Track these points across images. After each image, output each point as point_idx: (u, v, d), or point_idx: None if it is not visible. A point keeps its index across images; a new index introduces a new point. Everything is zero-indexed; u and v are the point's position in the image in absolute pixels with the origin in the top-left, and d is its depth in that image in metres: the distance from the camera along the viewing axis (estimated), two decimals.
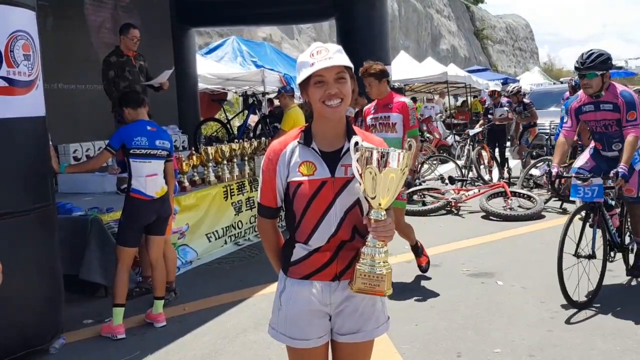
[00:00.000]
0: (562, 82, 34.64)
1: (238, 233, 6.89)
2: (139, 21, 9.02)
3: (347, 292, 2.03)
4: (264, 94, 12.34)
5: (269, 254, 2.21)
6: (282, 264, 2.13)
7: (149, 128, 4.30)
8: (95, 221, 4.93)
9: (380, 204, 1.92)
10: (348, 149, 2.02)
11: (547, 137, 10.10)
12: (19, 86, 3.54)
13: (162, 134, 4.38)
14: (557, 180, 4.48)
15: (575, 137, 6.13)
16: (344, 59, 1.96)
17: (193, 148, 7.47)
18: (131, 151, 4.21)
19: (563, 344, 3.73)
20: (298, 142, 2.06)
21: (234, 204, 6.84)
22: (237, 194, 6.91)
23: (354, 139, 1.96)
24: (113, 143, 4.26)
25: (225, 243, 6.66)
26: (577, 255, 4.46)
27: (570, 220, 4.44)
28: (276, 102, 14.51)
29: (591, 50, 4.48)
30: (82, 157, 7.24)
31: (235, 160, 7.06)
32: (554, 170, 4.51)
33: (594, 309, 4.33)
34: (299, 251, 2.05)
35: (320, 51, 1.97)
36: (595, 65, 4.33)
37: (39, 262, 3.75)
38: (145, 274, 5.04)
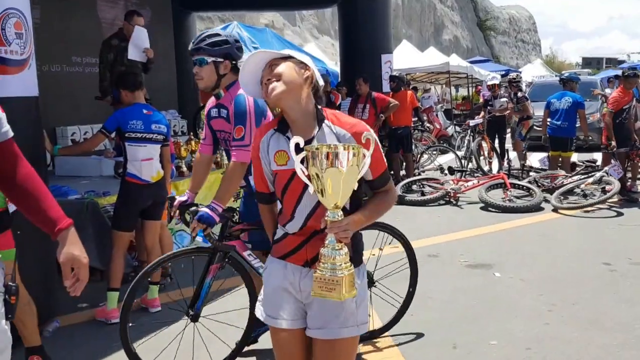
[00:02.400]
0: (562, 75, 34.71)
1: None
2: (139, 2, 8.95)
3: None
4: None
5: (270, 236, 2.23)
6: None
7: (145, 112, 4.24)
8: (91, 204, 4.88)
9: (335, 204, 1.85)
10: (316, 133, 1.99)
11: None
12: (11, 65, 3.47)
13: (159, 118, 4.32)
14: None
15: None
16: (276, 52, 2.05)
17: (192, 133, 7.41)
18: (126, 135, 4.16)
19: (560, 337, 3.71)
20: (274, 129, 2.04)
21: None
22: None
23: (294, 139, 1.87)
24: (108, 126, 4.21)
25: None
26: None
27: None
28: None
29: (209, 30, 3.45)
30: (80, 140, 7.18)
31: None
32: (180, 199, 3.50)
33: (590, 304, 4.30)
34: (279, 231, 2.11)
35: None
36: (204, 48, 3.09)
37: (32, 245, 3.71)
38: (141, 258, 5.00)
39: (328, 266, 1.83)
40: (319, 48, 19.42)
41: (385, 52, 9.45)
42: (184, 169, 6.20)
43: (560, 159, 8.83)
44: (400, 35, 31.84)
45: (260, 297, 2.16)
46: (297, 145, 1.86)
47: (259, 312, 2.14)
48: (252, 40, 13.18)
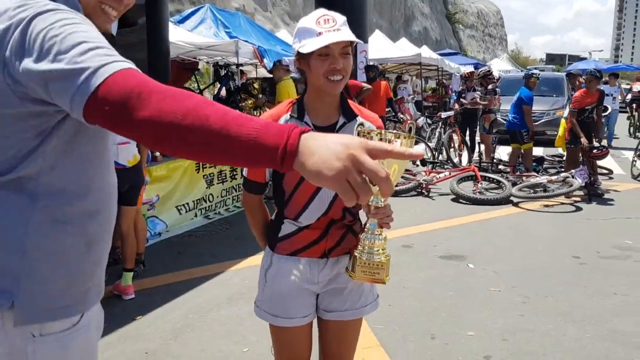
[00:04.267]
0: (527, 70, 35.39)
1: (209, 206, 6.76)
2: None
3: (335, 270, 1.99)
4: (237, 65, 12.09)
5: (255, 230, 2.13)
6: (269, 239, 2.07)
7: None
8: None
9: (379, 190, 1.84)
10: (343, 124, 1.94)
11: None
12: None
13: None
14: None
15: None
16: (351, 34, 1.83)
17: None
18: None
19: (535, 329, 3.78)
20: (290, 115, 1.95)
21: (205, 176, 6.70)
22: (209, 167, 6.77)
23: (359, 119, 1.87)
24: None
25: (196, 216, 6.53)
26: None
27: None
28: (249, 75, 14.29)
29: None
30: None
31: None
32: None
33: (562, 297, 4.40)
34: (287, 227, 1.99)
35: (327, 20, 1.82)
36: None
37: None
38: (114, 244, 4.89)
39: (369, 250, 1.84)
40: (290, 34, 19.26)
41: (361, 42, 9.42)
42: (157, 154, 6.07)
43: (521, 152, 9.07)
44: (371, 25, 31.83)
45: (260, 298, 2.08)
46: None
47: (261, 313, 2.06)
48: (224, 24, 12.98)
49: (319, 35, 1.80)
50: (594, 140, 8.08)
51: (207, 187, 6.72)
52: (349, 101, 2.01)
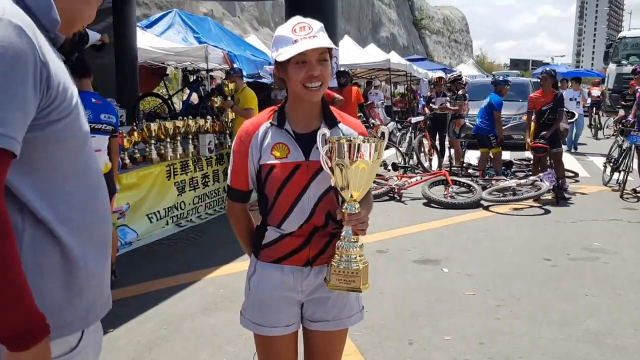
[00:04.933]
0: (494, 75, 36.01)
1: (180, 214, 6.66)
2: None
3: (319, 279, 1.97)
4: (207, 71, 11.99)
5: (240, 239, 2.11)
6: (254, 246, 2.05)
7: (94, 101, 4.03)
8: None
9: (353, 197, 1.84)
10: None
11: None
12: None
13: (108, 108, 4.13)
14: None
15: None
16: (328, 40, 1.83)
17: (134, 123, 7.14)
18: None
19: (511, 332, 3.82)
20: (271, 123, 1.95)
21: (176, 183, 6.60)
22: (181, 174, 6.67)
23: (322, 130, 1.86)
24: None
25: (167, 224, 6.43)
26: None
27: None
28: (218, 81, 14.17)
29: None
30: None
31: (178, 138, 6.81)
32: None
33: (536, 299, 4.46)
34: (271, 234, 1.97)
35: (303, 27, 1.83)
36: None
37: None
38: None
39: (345, 258, 1.84)
40: (259, 40, 19.20)
41: (337, 48, 9.45)
42: (127, 161, 5.96)
43: (490, 156, 9.19)
44: (340, 31, 32.00)
45: (244, 306, 2.05)
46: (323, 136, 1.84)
47: (245, 322, 2.03)
48: (193, 29, 12.89)
49: (295, 43, 1.80)
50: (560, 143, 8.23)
51: (178, 195, 6.63)
52: (331, 107, 2.00)
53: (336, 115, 1.99)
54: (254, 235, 2.06)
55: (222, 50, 11.44)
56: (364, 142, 1.80)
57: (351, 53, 15.62)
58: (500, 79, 9.44)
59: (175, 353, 3.54)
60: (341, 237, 1.87)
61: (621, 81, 19.93)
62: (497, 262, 5.36)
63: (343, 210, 1.85)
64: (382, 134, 1.88)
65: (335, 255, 1.86)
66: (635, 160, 8.32)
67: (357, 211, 1.83)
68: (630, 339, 3.71)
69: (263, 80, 11.87)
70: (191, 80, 12.50)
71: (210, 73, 13.11)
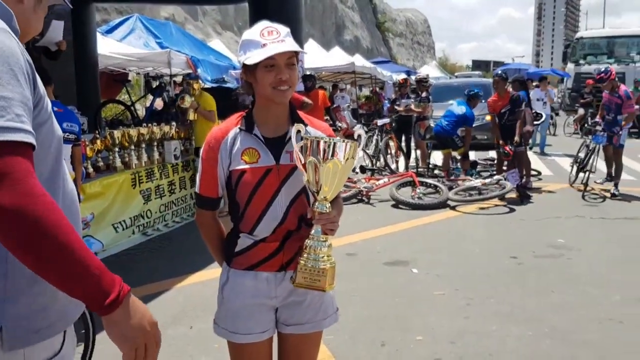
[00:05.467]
0: (457, 77, 36.56)
1: (147, 223, 6.55)
2: None
3: (290, 281, 1.95)
4: (171, 76, 11.85)
5: (211, 247, 2.09)
6: (226, 254, 2.03)
7: (55, 109, 3.92)
8: None
9: (324, 197, 1.85)
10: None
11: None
12: None
13: (70, 116, 4.04)
14: None
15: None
16: (295, 44, 1.86)
17: (97, 131, 7.00)
18: None
19: (480, 331, 3.87)
20: (239, 128, 1.95)
21: (142, 192, 6.50)
22: (146, 182, 6.57)
23: (297, 126, 1.88)
24: None
25: (133, 233, 6.32)
26: None
27: None
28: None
29: None
30: None
31: (143, 145, 6.70)
32: None
33: (503, 298, 4.53)
34: (244, 241, 1.96)
35: (271, 31, 1.85)
36: None
37: None
38: None
39: (313, 257, 1.84)
40: (223, 44, 19.08)
41: (305, 52, 9.45)
42: (91, 170, 5.84)
43: (454, 156, 9.29)
44: (304, 34, 32.05)
45: (218, 315, 2.02)
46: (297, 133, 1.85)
47: (219, 330, 2.01)
48: (155, 34, 12.71)
49: (263, 47, 1.82)
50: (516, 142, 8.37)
51: (144, 203, 6.52)
52: (299, 111, 2.00)
53: (304, 119, 2.00)
54: (225, 243, 2.04)
55: (185, 55, 11.31)
56: (338, 141, 1.82)
57: (316, 56, 15.67)
58: (473, 92, 9.19)
59: None
60: (310, 236, 1.87)
61: (579, 80, 20.51)
62: (465, 262, 5.44)
63: (314, 209, 1.86)
64: (359, 136, 1.89)
65: (304, 254, 1.86)
66: (600, 160, 8.56)
67: (327, 210, 1.85)
68: (595, 334, 3.81)
69: (228, 85, 11.77)
70: (154, 86, 12.33)
71: (174, 79, 12.95)
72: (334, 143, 1.81)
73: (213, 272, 4.54)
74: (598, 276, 4.96)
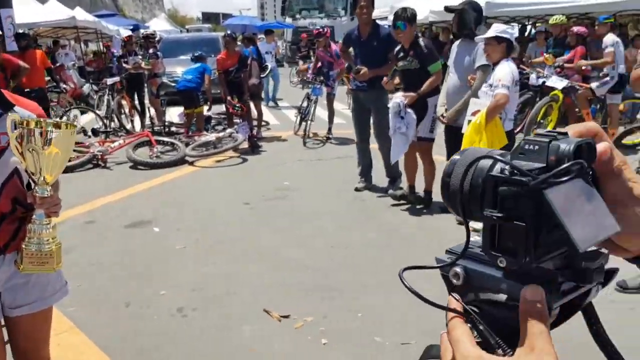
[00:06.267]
0: (188, 30, 35.94)
1: None
2: None
3: (14, 266, 1.98)
4: None
5: None
6: None
7: None
8: None
9: (45, 181, 1.87)
10: (0, 115, 1.92)
11: (175, 85, 10.34)
12: None
13: None
14: None
15: None
16: None
17: None
18: None
19: (224, 272, 4.27)
20: None
21: None
22: None
23: (11, 116, 1.83)
24: None
25: None
26: None
27: None
28: None
29: None
30: None
31: None
32: None
33: (239, 239, 5.02)
34: None
35: None
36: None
37: None
38: None
39: (37, 241, 1.86)
40: None
41: (5, 7, 8.49)
42: None
43: (194, 115, 9.53)
44: None
45: None
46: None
47: None
48: None
49: None
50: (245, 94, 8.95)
51: None
52: (4, 91, 1.98)
53: (10, 99, 1.97)
54: None
55: None
56: (55, 126, 1.82)
57: (29, 11, 14.05)
58: (198, 54, 9.74)
59: None
60: (32, 220, 1.89)
61: (297, 34, 22.17)
62: (203, 212, 5.80)
63: (35, 194, 1.86)
64: (75, 116, 1.95)
65: (27, 238, 1.88)
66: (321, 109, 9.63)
67: (49, 194, 1.87)
68: (323, 260, 4.51)
69: None
70: None
71: None
72: (50, 129, 1.80)
73: None
74: (314, 210, 5.75)
